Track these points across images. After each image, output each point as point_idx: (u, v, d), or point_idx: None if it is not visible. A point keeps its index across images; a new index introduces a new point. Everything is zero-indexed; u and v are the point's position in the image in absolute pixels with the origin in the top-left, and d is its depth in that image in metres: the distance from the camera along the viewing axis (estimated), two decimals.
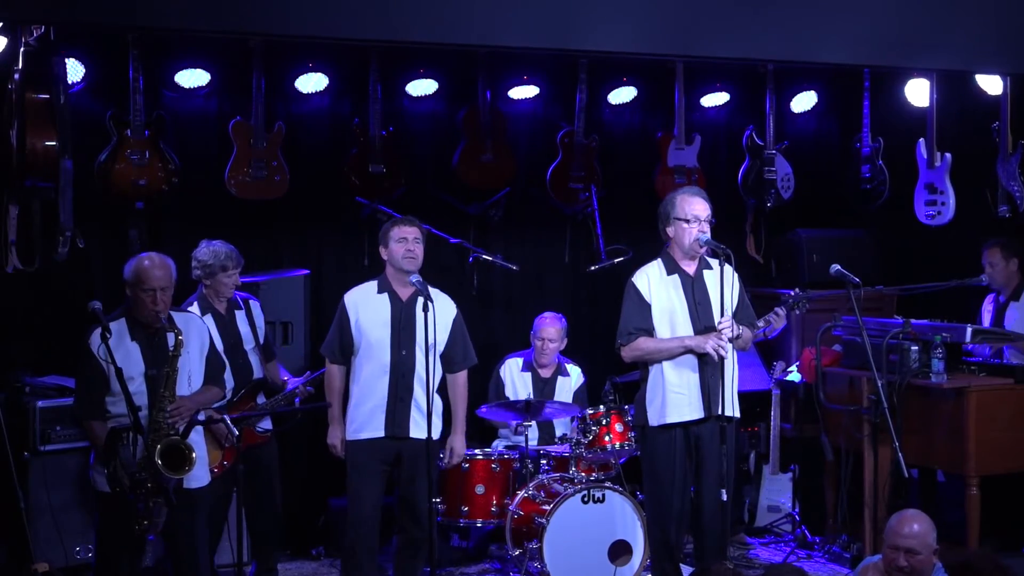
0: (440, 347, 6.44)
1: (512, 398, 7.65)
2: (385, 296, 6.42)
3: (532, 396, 7.62)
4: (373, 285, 6.49)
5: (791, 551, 7.78)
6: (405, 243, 6.39)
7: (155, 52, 7.38)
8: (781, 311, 6.79)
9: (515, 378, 7.82)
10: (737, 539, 7.87)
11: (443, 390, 6.58)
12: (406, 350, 6.35)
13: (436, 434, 6.37)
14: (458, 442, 6.61)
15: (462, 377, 6.63)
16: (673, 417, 6.23)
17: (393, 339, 6.36)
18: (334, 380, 6.51)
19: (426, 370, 6.23)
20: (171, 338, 5.62)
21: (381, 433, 6.36)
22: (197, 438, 5.71)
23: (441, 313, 6.40)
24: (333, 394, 6.49)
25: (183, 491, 5.54)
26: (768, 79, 8.57)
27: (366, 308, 6.43)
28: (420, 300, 6.33)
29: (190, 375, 5.74)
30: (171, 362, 5.60)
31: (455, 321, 6.56)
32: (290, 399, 6.80)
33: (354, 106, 8.03)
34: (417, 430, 6.36)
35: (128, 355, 5.55)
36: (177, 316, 5.74)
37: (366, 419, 6.39)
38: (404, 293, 6.42)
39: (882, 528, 5.48)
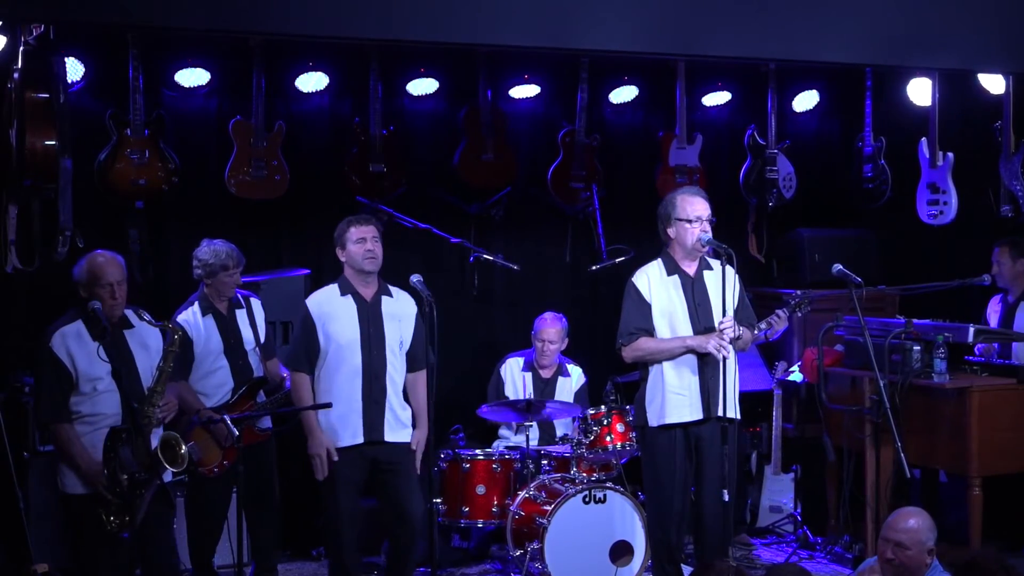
0: (406, 345, 6.37)
1: (512, 398, 7.63)
2: (349, 298, 6.30)
3: (532, 396, 7.60)
4: (334, 288, 6.36)
5: (793, 552, 7.76)
6: (364, 243, 6.26)
7: (155, 51, 7.37)
8: (783, 313, 6.78)
9: (515, 378, 7.80)
10: (739, 540, 7.85)
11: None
12: (376, 351, 6.26)
13: (409, 437, 6.34)
14: (423, 435, 6.39)
15: (423, 376, 6.42)
16: (673, 418, 6.21)
17: (363, 341, 6.25)
18: (303, 390, 6.29)
19: (428, 372, 6.21)
20: (167, 335, 5.73)
21: (360, 439, 6.23)
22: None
23: (406, 311, 6.37)
24: (303, 404, 6.28)
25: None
26: (770, 78, 8.55)
27: (332, 312, 6.28)
28: (384, 299, 6.32)
29: (156, 372, 5.76)
30: (167, 358, 5.66)
31: (417, 319, 6.43)
32: (290, 397, 6.76)
33: (354, 105, 8.01)
34: (393, 434, 6.29)
35: (92, 356, 5.54)
36: (130, 316, 5.78)
37: (341, 426, 6.24)
38: (367, 293, 6.33)
39: None
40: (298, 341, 6.35)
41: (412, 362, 6.41)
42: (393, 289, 6.40)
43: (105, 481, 5.44)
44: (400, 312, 6.36)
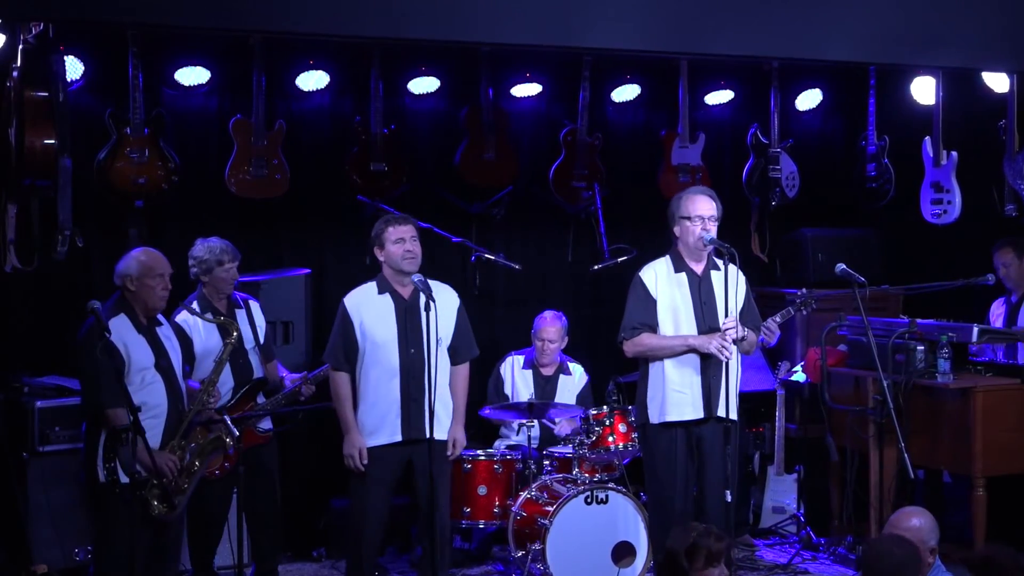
0: (447, 340, 6.37)
1: (512, 396, 7.61)
2: (387, 296, 6.31)
3: (533, 394, 7.58)
4: (372, 286, 6.37)
5: (796, 552, 7.71)
6: (403, 243, 6.27)
7: (155, 49, 7.34)
8: (773, 324, 6.82)
9: (516, 376, 7.77)
10: (742, 540, 7.82)
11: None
12: (415, 349, 6.24)
13: (447, 433, 6.35)
14: (460, 433, 6.48)
15: (465, 369, 6.52)
16: (673, 415, 6.20)
17: (400, 339, 6.24)
18: (341, 388, 6.32)
19: (427, 369, 6.17)
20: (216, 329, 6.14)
21: (398, 438, 6.23)
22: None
23: (445, 305, 6.35)
24: (342, 402, 6.32)
25: None
26: (773, 77, 8.51)
27: (369, 310, 6.30)
28: (423, 296, 6.28)
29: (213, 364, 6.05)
30: (226, 350, 6.05)
31: (459, 312, 6.47)
32: (290, 398, 6.74)
33: (355, 104, 7.98)
34: (432, 430, 6.31)
35: (139, 348, 5.72)
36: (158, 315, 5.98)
37: (379, 424, 6.26)
38: (406, 292, 6.34)
39: None
40: (336, 340, 6.36)
41: (453, 355, 6.41)
42: (433, 283, 6.36)
43: (166, 465, 5.64)
44: (439, 308, 6.29)
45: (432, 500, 6.21)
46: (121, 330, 5.67)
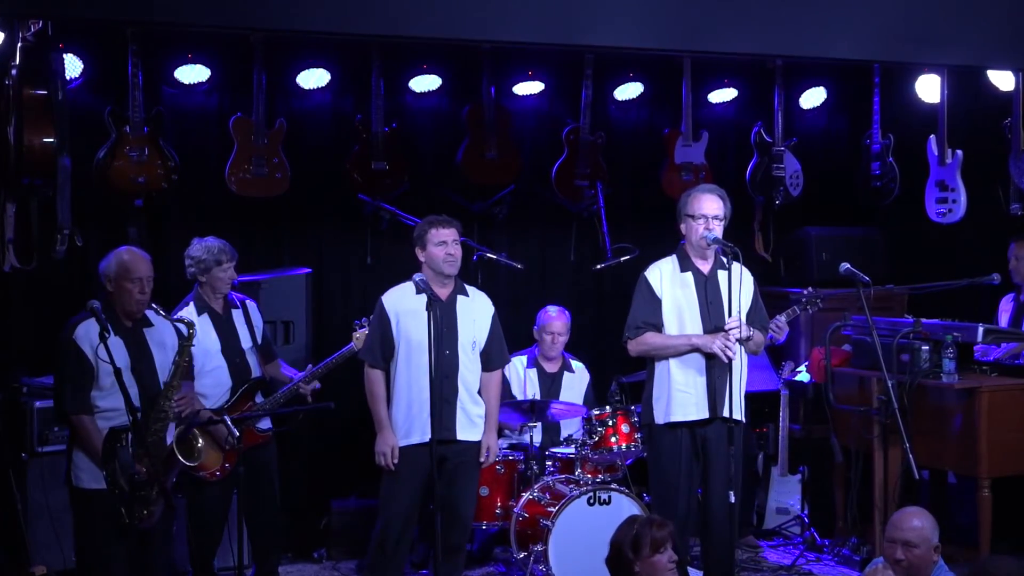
0: (480, 345, 6.38)
1: (520, 396, 7.57)
2: (424, 297, 6.27)
3: (539, 392, 7.55)
4: (410, 286, 6.32)
5: (800, 553, 7.68)
6: (445, 246, 6.29)
7: (155, 47, 7.32)
8: (781, 321, 6.74)
9: (520, 376, 7.73)
10: (746, 541, 7.79)
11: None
12: (449, 350, 6.25)
13: (480, 436, 6.36)
14: (493, 440, 6.48)
15: (497, 376, 6.54)
16: (678, 415, 6.16)
17: (435, 340, 6.22)
18: (376, 386, 6.34)
19: (429, 368, 6.14)
20: (182, 329, 5.76)
21: (428, 437, 6.19)
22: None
23: (481, 311, 6.41)
24: (377, 400, 6.33)
25: None
26: (777, 75, 8.47)
27: (406, 310, 6.30)
28: (460, 298, 6.33)
29: (171, 367, 5.80)
30: (183, 352, 5.72)
31: (493, 319, 6.48)
32: (291, 397, 6.70)
33: (356, 102, 7.95)
34: (464, 432, 6.31)
35: (114, 350, 5.48)
36: (150, 315, 5.80)
37: (411, 423, 6.26)
38: (443, 293, 6.32)
39: None
40: (373, 336, 6.39)
41: (487, 361, 6.43)
42: (469, 289, 6.43)
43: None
44: (475, 312, 6.37)
45: (438, 500, 6.18)
46: (91, 332, 5.45)
